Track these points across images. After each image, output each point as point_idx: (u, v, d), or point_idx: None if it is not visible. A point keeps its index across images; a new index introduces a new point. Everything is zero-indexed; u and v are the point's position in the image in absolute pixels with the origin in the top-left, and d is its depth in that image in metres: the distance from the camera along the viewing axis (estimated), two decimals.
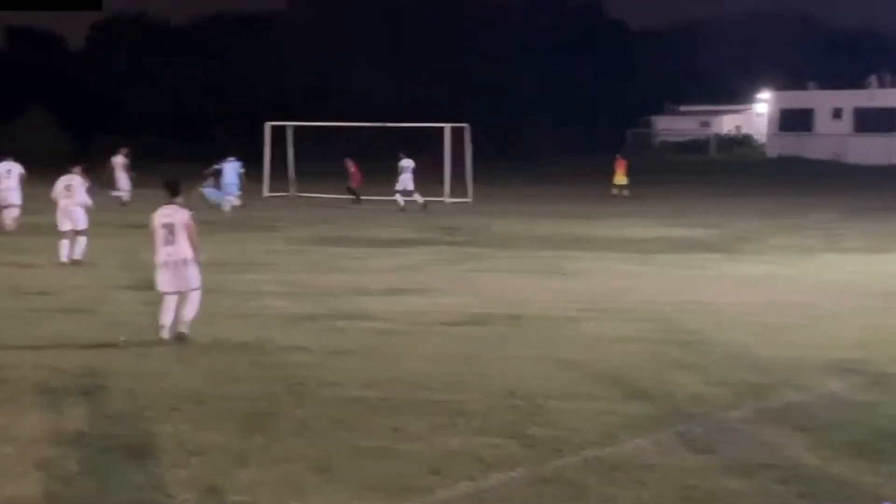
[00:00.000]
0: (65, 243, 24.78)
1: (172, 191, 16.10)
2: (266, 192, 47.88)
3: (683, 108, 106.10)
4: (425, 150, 58.70)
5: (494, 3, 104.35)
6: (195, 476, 9.52)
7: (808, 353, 14.87)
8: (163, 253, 15.75)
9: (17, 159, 34.53)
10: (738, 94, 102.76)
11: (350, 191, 46.45)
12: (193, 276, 15.84)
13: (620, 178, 52.04)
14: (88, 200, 25.84)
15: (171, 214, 15.80)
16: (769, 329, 16.81)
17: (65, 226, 25.10)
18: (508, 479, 9.54)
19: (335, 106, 79.11)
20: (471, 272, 23.70)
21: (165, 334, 15.45)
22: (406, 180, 43.54)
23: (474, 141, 49.50)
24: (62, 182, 25.74)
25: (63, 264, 24.18)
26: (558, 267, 24.45)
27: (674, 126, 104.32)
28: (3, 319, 17.17)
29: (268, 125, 51.55)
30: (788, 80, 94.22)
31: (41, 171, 44.35)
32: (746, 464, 9.97)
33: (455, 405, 11.86)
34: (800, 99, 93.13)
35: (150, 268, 23.42)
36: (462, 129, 49.20)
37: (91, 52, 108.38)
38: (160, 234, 15.75)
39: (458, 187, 47.39)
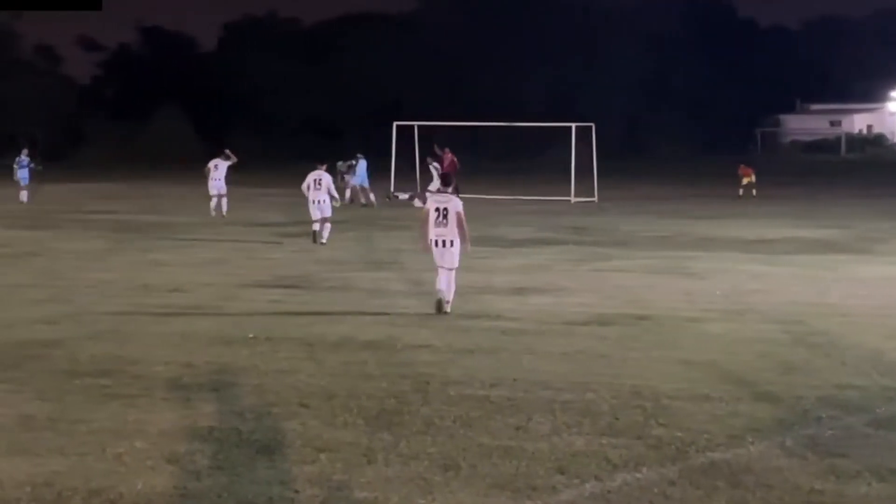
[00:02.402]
0: (316, 228, 28.97)
1: (445, 182, 19.16)
2: (392, 190, 48.11)
3: (813, 107, 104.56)
4: (550, 149, 58.62)
5: (623, 1, 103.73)
6: (323, 472, 9.61)
7: None
8: (433, 232, 17.94)
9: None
10: (869, 93, 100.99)
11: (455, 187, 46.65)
12: (455, 256, 17.91)
13: (748, 179, 51.41)
14: (335, 192, 29.71)
15: (446, 201, 18.06)
16: None
17: (315, 215, 29.04)
18: (634, 480, 9.49)
19: (463, 105, 79.30)
20: (596, 272, 23.62)
21: (441, 296, 17.74)
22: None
23: (600, 141, 49.28)
24: (312, 177, 29.40)
25: (322, 245, 28.20)
26: (684, 267, 24.26)
27: (803, 125, 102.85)
28: (136, 316, 17.50)
29: (395, 124, 51.83)
30: None
31: (174, 169, 45.28)
32: (877, 469, 9.79)
33: (580, 405, 11.83)
34: None
35: (277, 266, 23.84)
36: (588, 128, 48.99)
37: (222, 53, 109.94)
38: (433, 216, 17.97)
39: (584, 187, 47.22)
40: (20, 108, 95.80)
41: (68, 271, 23.19)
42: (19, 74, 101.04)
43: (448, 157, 47.52)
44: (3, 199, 44.33)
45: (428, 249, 18.20)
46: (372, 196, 44.22)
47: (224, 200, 37.89)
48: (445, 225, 17.82)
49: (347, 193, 43.30)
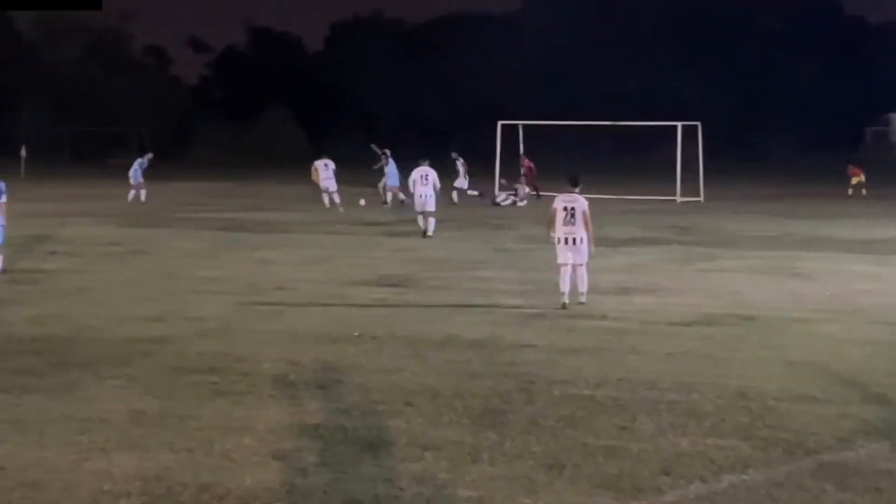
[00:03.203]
0: (420, 219, 30.81)
1: (573, 182, 19.06)
2: (496, 191, 48.11)
3: None
4: (656, 149, 58.16)
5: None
6: (427, 470, 9.66)
7: None
8: (562, 231, 18.53)
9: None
10: None
11: (535, 188, 46.68)
12: (584, 253, 18.50)
13: (857, 178, 50.69)
14: (438, 184, 31.52)
15: (574, 200, 18.63)
16: None
17: (419, 207, 30.87)
18: (740, 482, 9.42)
19: (566, 104, 79.08)
20: (702, 272, 23.45)
21: (566, 300, 18.20)
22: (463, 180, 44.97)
23: (706, 140, 48.91)
24: (418, 172, 31.47)
25: (429, 238, 29.78)
26: (791, 267, 24.00)
27: None
28: (244, 314, 17.70)
29: (499, 124, 51.85)
30: None
31: (280, 168, 45.71)
32: None
33: (686, 405, 11.77)
34: None
35: (381, 264, 23.97)
36: (694, 127, 48.64)
37: (329, 53, 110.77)
38: (561, 215, 18.58)
39: (690, 186, 46.89)
40: (131, 109, 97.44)
41: (177, 269, 23.51)
42: (130, 75, 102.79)
43: (526, 163, 47.69)
44: (117, 197, 45.00)
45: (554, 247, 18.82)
46: (389, 196, 43.48)
47: (335, 196, 41.03)
48: (573, 223, 18.45)
49: (389, 196, 43.41)
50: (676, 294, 20.04)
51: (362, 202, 43.04)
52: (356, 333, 15.77)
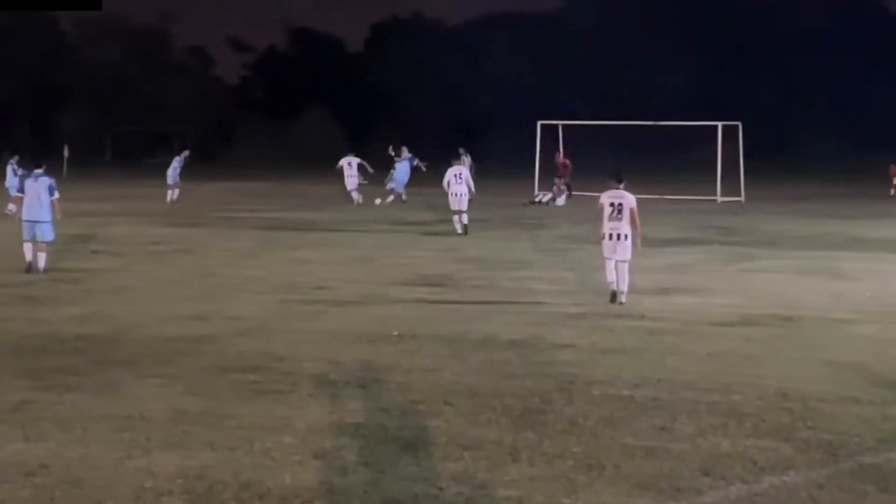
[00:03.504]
0: (456, 219, 31.45)
1: (617, 178, 19.18)
2: (537, 191, 48.09)
3: None
4: (696, 148, 57.80)
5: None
6: (467, 470, 9.66)
7: None
8: (607, 226, 18.79)
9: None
10: None
11: (568, 186, 46.70)
12: (627, 250, 18.74)
13: None
14: (472, 184, 32.13)
15: (621, 197, 18.88)
16: None
17: (454, 206, 31.58)
18: (781, 483, 9.38)
19: (607, 103, 78.92)
20: (742, 272, 23.37)
21: (614, 287, 18.69)
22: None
23: (747, 139, 48.72)
24: (452, 172, 32.19)
25: (459, 235, 30.67)
26: (832, 268, 23.87)
27: None
28: (284, 313, 17.76)
29: (539, 123, 51.80)
30: None
31: (322, 168, 45.86)
32: None
33: (726, 406, 11.72)
34: None
35: (421, 264, 24.00)
36: (735, 126, 48.45)
37: (369, 53, 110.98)
38: (608, 210, 18.84)
39: (731, 186, 46.71)
40: (172, 109, 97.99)
41: (218, 268, 23.62)
42: (172, 75, 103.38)
43: (561, 159, 47.65)
44: (158, 197, 45.23)
45: (599, 243, 19.01)
46: (391, 197, 43.89)
47: (354, 193, 43.39)
48: (620, 219, 18.74)
49: (389, 195, 44.03)
50: (717, 294, 19.97)
51: (378, 201, 43.57)
52: (396, 333, 15.80)
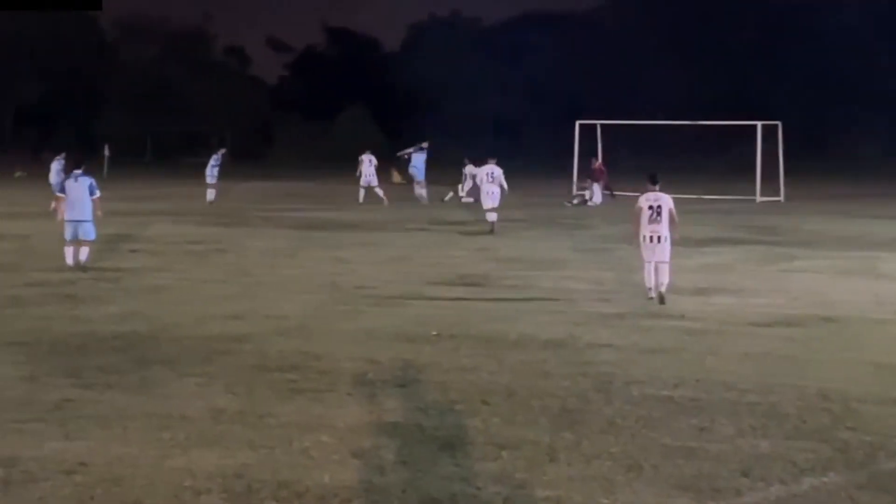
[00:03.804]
0: (490, 216, 32.08)
1: (653, 180, 19.42)
2: (574, 191, 48.00)
3: None
4: (735, 148, 57.53)
5: None
6: (505, 470, 9.66)
7: None
8: (647, 229, 19.01)
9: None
10: None
11: (609, 189, 46.72)
12: (667, 251, 18.96)
13: None
14: (504, 183, 32.88)
15: (658, 199, 19.09)
16: None
17: (487, 204, 32.46)
18: (821, 484, 9.33)
19: (645, 103, 78.74)
20: (782, 272, 23.26)
21: (652, 294, 18.82)
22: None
23: (786, 139, 48.49)
24: (485, 170, 33.49)
25: (491, 232, 31.24)
26: (872, 268, 23.73)
27: None
28: (323, 313, 17.80)
29: (577, 123, 51.71)
30: None
31: (356, 167, 45.94)
32: None
33: (765, 407, 11.67)
34: None
35: (459, 264, 24.00)
36: (774, 126, 48.22)
37: (406, 53, 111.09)
38: (646, 213, 19.02)
39: (770, 186, 46.50)
40: (211, 108, 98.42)
41: (257, 268, 23.70)
42: (210, 75, 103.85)
43: (597, 165, 47.66)
44: (197, 196, 45.38)
45: (639, 245, 19.30)
46: (425, 192, 45.18)
47: (378, 190, 43.93)
48: (659, 221, 18.95)
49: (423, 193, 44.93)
50: (756, 294, 19.89)
51: (447, 198, 43.89)
52: (434, 332, 15.81)
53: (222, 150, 47.79)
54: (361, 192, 44.47)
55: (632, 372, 13.34)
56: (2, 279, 21.64)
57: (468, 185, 43.85)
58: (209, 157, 47.08)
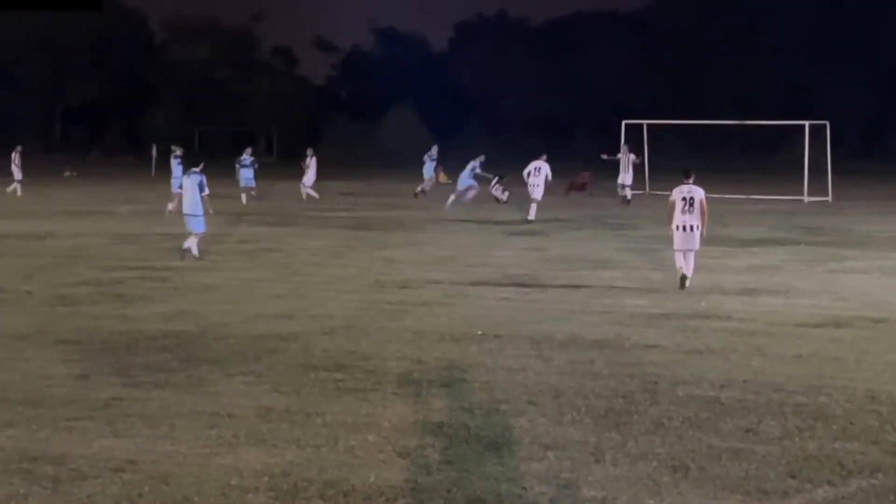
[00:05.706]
0: (532, 209, 34.88)
1: (686, 174, 21.02)
2: (619, 191, 47.80)
3: None
4: (783, 148, 57.26)
5: None
6: (551, 470, 9.67)
7: None
8: (679, 219, 20.47)
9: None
10: None
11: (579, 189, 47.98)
12: (696, 240, 20.47)
13: None
14: (550, 178, 36.02)
15: (691, 191, 20.59)
16: None
17: (532, 196, 35.38)
18: (869, 486, 9.28)
19: (694, 103, 78.42)
20: (831, 273, 23.11)
21: (684, 271, 20.25)
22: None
23: (836, 139, 48.16)
24: (532, 165, 36.23)
25: (529, 222, 33.91)
26: None
27: None
28: (370, 312, 17.84)
29: (623, 123, 51.56)
30: None
31: (407, 168, 46.01)
32: None
33: (813, 408, 11.62)
34: None
35: (505, 264, 24.00)
36: (822, 126, 47.92)
37: (454, 53, 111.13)
38: (680, 205, 20.50)
39: (819, 186, 46.23)
40: (259, 108, 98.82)
41: (305, 267, 23.78)
42: (258, 75, 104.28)
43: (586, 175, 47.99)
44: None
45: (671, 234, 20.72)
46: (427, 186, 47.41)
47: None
48: (692, 212, 20.40)
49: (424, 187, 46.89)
50: (804, 295, 19.78)
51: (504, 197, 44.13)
52: (480, 332, 15.82)
53: (248, 150, 47.15)
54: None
55: (678, 373, 13.31)
56: (53, 278, 21.83)
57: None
58: (237, 158, 46.44)
